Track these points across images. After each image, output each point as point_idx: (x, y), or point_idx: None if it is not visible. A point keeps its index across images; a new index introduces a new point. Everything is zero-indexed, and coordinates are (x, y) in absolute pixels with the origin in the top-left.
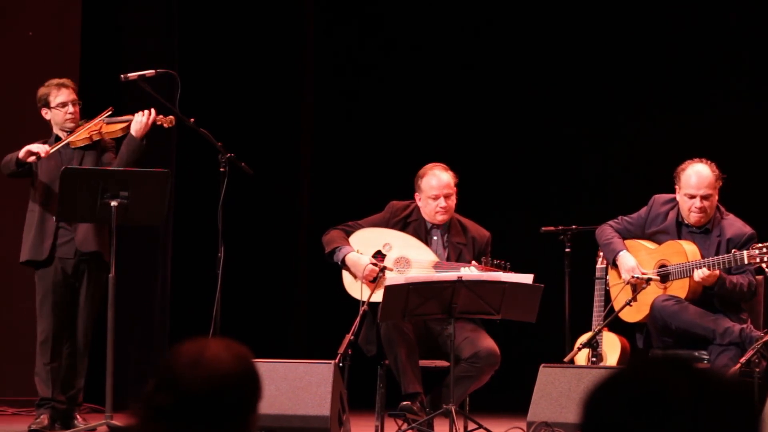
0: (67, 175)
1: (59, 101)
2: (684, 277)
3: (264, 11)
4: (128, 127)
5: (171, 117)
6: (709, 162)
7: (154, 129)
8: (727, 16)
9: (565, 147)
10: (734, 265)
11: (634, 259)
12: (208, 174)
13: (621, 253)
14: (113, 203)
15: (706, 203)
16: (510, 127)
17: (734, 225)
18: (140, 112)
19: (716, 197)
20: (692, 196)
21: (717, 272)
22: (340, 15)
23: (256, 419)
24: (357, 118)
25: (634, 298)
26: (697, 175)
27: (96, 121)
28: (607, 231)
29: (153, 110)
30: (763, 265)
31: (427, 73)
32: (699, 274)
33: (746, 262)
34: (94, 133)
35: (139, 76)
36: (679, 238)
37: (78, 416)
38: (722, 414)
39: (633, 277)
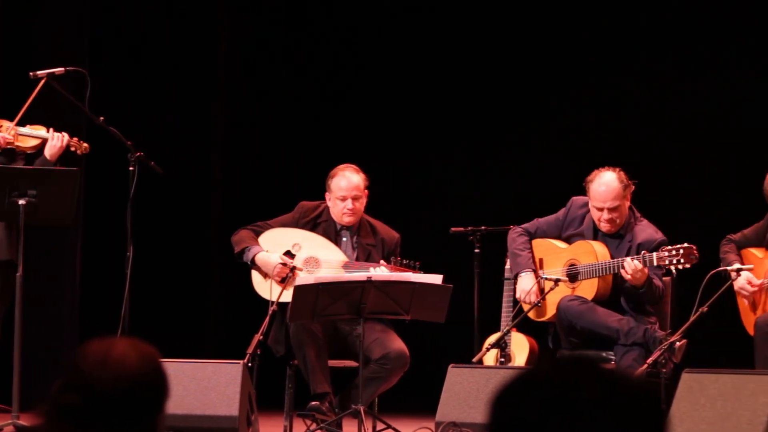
0: None
1: None
2: (593, 277)
3: (176, 10)
4: (41, 144)
5: (86, 145)
6: (617, 170)
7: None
8: (637, 18)
9: (475, 147)
10: (644, 266)
11: (533, 283)
12: (117, 173)
13: (522, 275)
14: (21, 202)
15: (614, 214)
16: (419, 127)
17: (646, 230)
18: (54, 135)
19: (626, 204)
20: (600, 209)
21: (646, 270)
22: (252, 15)
23: (163, 419)
24: (268, 118)
25: (543, 299)
26: (604, 187)
27: (8, 127)
28: (518, 241)
29: (66, 135)
30: (672, 268)
31: (337, 74)
32: (630, 266)
33: (656, 264)
34: (8, 142)
35: (48, 74)
36: (594, 240)
37: None
38: (629, 414)
39: (542, 277)
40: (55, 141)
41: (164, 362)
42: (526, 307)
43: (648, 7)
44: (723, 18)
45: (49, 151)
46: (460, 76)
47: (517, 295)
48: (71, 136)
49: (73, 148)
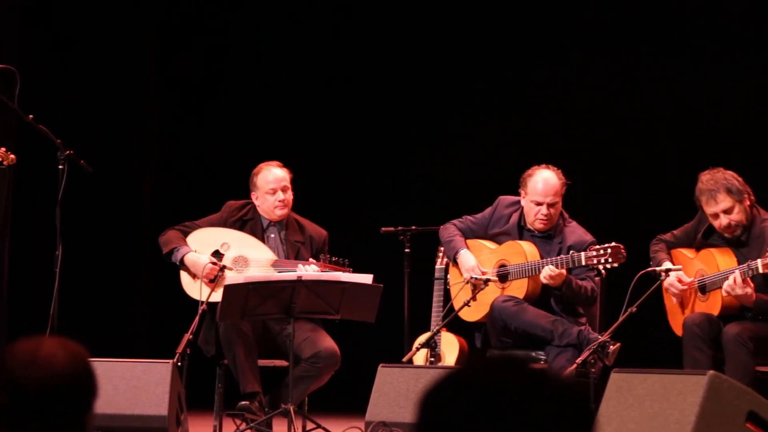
0: None
1: None
2: (523, 277)
3: (108, 8)
4: None
5: (13, 156)
6: (555, 168)
7: None
8: (566, 17)
9: (405, 147)
10: (572, 266)
11: (475, 258)
12: (47, 171)
13: (461, 252)
14: None
15: (552, 210)
16: (349, 127)
17: (576, 232)
18: None
19: (560, 203)
20: (539, 204)
21: (564, 272)
22: (185, 17)
23: (92, 418)
24: (199, 119)
25: (473, 298)
26: (544, 183)
27: None
28: (450, 229)
29: None
30: (600, 267)
31: (267, 76)
32: (547, 271)
33: (584, 263)
34: None
35: None
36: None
37: None
38: (558, 414)
39: (472, 277)
40: None
41: (93, 361)
42: (476, 283)
43: (577, 6)
44: (652, 18)
45: None
46: (390, 75)
47: (465, 276)
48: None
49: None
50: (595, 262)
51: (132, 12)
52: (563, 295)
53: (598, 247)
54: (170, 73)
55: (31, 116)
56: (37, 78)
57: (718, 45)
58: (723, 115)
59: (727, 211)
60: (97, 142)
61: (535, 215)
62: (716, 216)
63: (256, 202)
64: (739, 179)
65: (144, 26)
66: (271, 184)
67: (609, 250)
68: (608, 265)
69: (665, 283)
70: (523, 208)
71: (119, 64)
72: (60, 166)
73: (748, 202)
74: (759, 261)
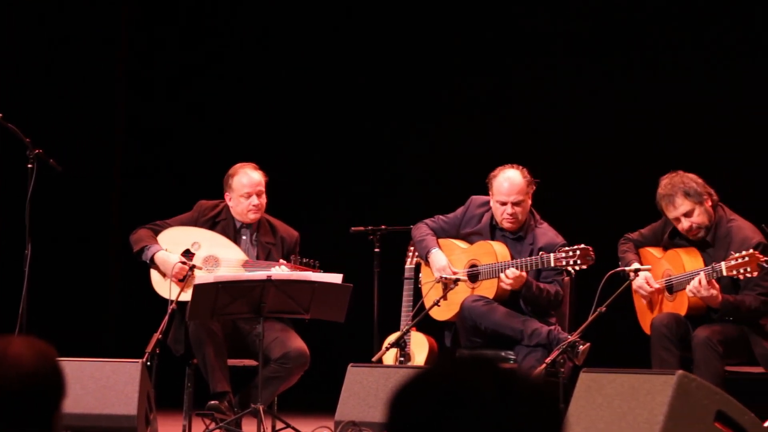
0: None
1: None
2: (493, 278)
3: (78, 6)
4: None
5: None
6: (520, 168)
7: None
8: (537, 18)
9: (375, 147)
10: (542, 267)
11: (446, 258)
12: (16, 170)
13: (433, 251)
14: None
15: (517, 209)
16: (319, 126)
17: (547, 234)
18: None
19: (529, 202)
20: (504, 203)
21: (524, 275)
22: (155, 15)
23: (60, 418)
24: (169, 118)
25: (444, 297)
26: (508, 182)
27: None
28: (422, 228)
29: None
30: (569, 268)
31: (237, 75)
32: (508, 273)
33: (553, 264)
34: None
35: None
36: (495, 241)
37: None
38: (527, 414)
39: (442, 277)
40: None
41: (62, 361)
42: (446, 282)
43: (547, 6)
44: (620, 20)
45: None
46: (361, 76)
47: (435, 276)
48: None
49: None
50: (563, 263)
51: (102, 11)
52: (522, 296)
53: (567, 248)
54: (140, 71)
55: (0, 115)
56: (6, 77)
57: (683, 46)
58: (691, 116)
59: (688, 215)
60: (66, 141)
61: (501, 215)
62: (678, 220)
63: (230, 204)
64: (699, 181)
65: (114, 25)
66: (247, 188)
67: (578, 252)
68: (576, 267)
69: (634, 285)
70: (492, 209)
71: (89, 62)
72: (29, 165)
73: (709, 203)
74: (723, 264)
